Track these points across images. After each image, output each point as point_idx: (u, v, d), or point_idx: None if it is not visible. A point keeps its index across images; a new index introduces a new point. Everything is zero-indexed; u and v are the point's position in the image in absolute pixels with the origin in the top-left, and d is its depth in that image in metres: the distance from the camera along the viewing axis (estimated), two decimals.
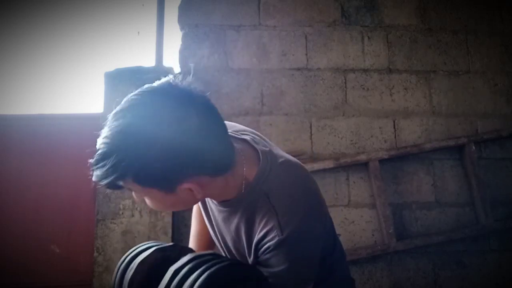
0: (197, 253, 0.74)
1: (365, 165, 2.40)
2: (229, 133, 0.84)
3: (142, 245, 0.82)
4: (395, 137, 2.48)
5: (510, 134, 2.49)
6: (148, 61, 2.58)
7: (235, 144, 0.81)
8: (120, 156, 0.65)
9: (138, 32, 2.72)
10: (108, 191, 2.20)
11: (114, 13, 2.98)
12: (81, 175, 2.58)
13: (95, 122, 2.37)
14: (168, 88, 0.71)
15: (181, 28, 2.50)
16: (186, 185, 0.71)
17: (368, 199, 2.41)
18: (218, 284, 0.64)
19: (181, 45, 2.48)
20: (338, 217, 2.38)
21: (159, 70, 2.36)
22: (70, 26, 2.98)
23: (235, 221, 0.84)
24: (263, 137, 0.93)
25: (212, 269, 0.66)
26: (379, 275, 2.35)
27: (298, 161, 0.90)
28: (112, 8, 2.98)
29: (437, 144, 2.42)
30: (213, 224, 0.94)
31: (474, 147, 2.43)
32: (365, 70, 2.53)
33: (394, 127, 2.50)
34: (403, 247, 2.31)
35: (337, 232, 2.42)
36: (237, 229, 0.84)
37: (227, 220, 0.87)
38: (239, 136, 0.87)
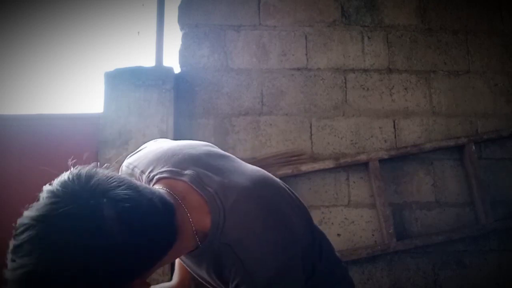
0: None
1: (365, 165, 2.40)
2: (168, 175, 0.76)
3: None
4: (395, 137, 2.48)
5: (510, 134, 2.49)
6: (148, 61, 2.58)
7: (175, 191, 0.72)
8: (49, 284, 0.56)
9: (138, 32, 2.72)
10: None
11: (114, 13, 2.98)
12: None
13: (95, 122, 2.39)
14: (69, 201, 0.59)
15: (181, 28, 2.50)
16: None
17: (368, 199, 2.41)
18: None
19: (181, 45, 2.48)
20: (338, 217, 2.38)
21: (159, 70, 2.36)
22: (70, 26, 2.98)
23: (204, 267, 0.79)
24: (214, 155, 0.83)
25: None
26: (379, 275, 2.35)
27: (259, 175, 0.81)
28: (112, 8, 2.98)
29: (437, 144, 2.42)
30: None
31: (474, 147, 2.43)
32: (365, 70, 2.53)
33: (394, 127, 2.50)
34: (403, 247, 2.31)
35: (337, 232, 2.44)
36: (209, 274, 0.80)
37: (197, 265, 0.82)
38: (178, 178, 0.76)
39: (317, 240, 0.92)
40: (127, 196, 0.61)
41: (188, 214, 0.72)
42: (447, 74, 2.58)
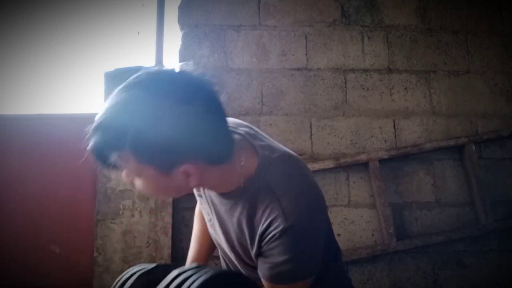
0: (181, 268, 0.71)
1: (365, 165, 2.40)
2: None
3: (126, 274, 0.79)
4: (395, 137, 2.48)
5: (510, 134, 2.49)
6: (148, 61, 2.59)
7: (234, 137, 0.82)
8: (124, 125, 0.66)
9: (138, 32, 2.72)
10: (109, 190, 2.20)
11: (114, 13, 2.98)
12: (81, 175, 2.58)
13: None
14: (177, 73, 0.73)
15: (181, 28, 2.50)
16: (183, 167, 0.71)
17: (368, 199, 2.41)
18: None
19: (181, 45, 2.48)
20: (338, 217, 2.38)
21: None
22: (70, 26, 2.98)
23: (236, 213, 0.84)
24: (260, 132, 0.93)
25: (198, 281, 0.64)
26: (379, 275, 2.35)
27: (297, 155, 0.90)
28: (112, 8, 2.98)
29: (437, 144, 2.42)
30: (212, 224, 0.94)
31: (474, 147, 2.43)
32: (365, 70, 2.53)
33: (394, 127, 2.50)
34: (403, 247, 2.31)
35: (337, 232, 2.44)
36: (239, 222, 0.84)
37: (229, 212, 0.87)
38: (236, 131, 0.88)
39: (334, 242, 1.00)
40: (215, 103, 0.77)
41: (242, 153, 0.82)
42: (447, 74, 2.58)
